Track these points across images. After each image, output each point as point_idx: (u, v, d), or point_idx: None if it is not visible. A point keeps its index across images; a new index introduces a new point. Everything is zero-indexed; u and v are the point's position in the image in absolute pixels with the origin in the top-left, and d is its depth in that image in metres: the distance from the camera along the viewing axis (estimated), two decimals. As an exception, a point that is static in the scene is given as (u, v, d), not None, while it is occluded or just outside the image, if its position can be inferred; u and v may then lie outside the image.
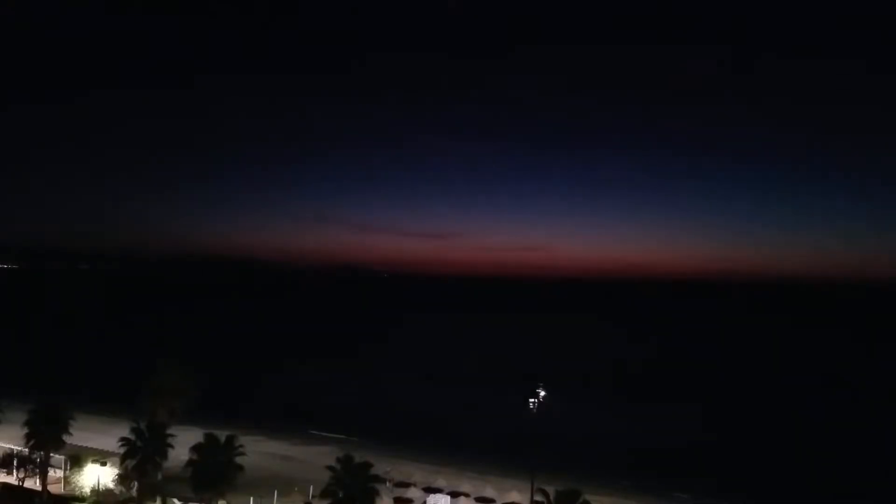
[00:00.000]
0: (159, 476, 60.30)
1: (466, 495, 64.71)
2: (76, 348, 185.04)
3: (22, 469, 65.21)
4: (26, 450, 64.04)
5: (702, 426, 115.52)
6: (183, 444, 57.85)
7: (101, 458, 66.07)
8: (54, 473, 65.72)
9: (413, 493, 66.43)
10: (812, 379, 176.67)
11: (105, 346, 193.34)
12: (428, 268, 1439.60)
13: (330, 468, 50.35)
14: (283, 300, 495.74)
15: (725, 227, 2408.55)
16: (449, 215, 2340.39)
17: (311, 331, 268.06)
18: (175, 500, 60.03)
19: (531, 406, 64.21)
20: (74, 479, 64.15)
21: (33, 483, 63.96)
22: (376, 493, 50.67)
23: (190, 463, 53.10)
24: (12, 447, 68.39)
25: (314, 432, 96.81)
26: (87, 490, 62.93)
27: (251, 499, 60.85)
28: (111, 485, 62.21)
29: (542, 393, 65.30)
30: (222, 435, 56.23)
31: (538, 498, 48.84)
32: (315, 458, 74.22)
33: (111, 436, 67.83)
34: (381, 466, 60.59)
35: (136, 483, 59.71)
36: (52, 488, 63.87)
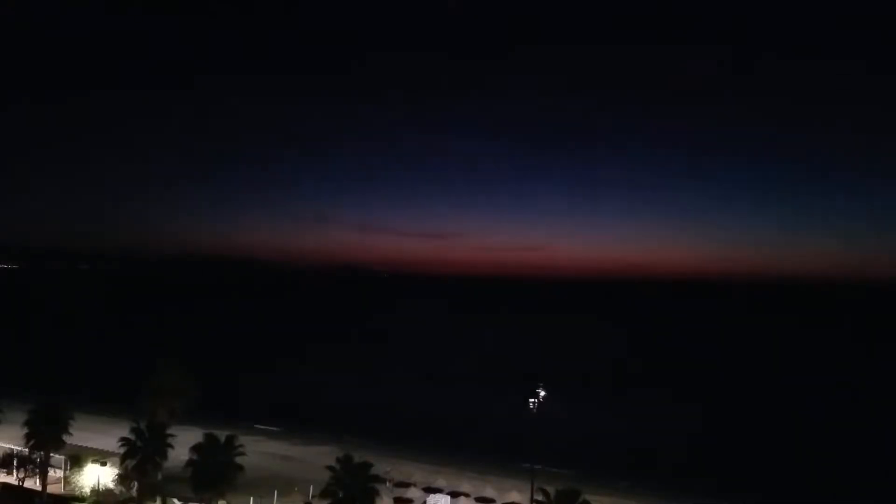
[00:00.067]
0: (159, 476, 60.30)
1: (466, 495, 64.71)
2: (76, 348, 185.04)
3: (22, 469, 65.22)
4: (26, 450, 64.03)
5: (702, 426, 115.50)
6: (183, 444, 57.83)
7: (101, 458, 66.08)
8: (54, 473, 65.71)
9: (413, 493, 66.44)
10: (812, 379, 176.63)
11: (105, 346, 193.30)
12: (428, 268, 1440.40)
13: (330, 468, 50.35)
14: (283, 300, 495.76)
15: (725, 227, 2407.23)
16: (449, 215, 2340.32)
17: (311, 331, 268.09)
18: (175, 500, 60.03)
19: (531, 406, 64.16)
20: (74, 479, 64.17)
21: (33, 483, 63.94)
22: (376, 493, 50.66)
23: (190, 463, 53.10)
24: (12, 447, 68.39)
25: (310, 432, 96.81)
26: (87, 490, 62.94)
27: (251, 499, 60.85)
28: (111, 485, 62.23)
29: (542, 393, 65.23)
30: (222, 435, 56.24)
31: (538, 498, 48.82)
32: (315, 458, 74.23)
33: (111, 436, 67.84)
34: (381, 466, 60.56)
35: (136, 483, 59.73)
36: (52, 488, 63.87)
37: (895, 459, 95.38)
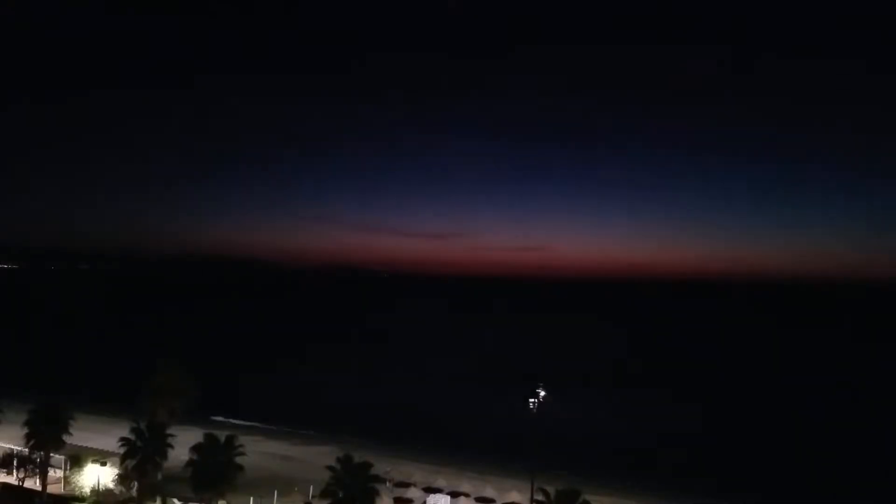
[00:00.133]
0: (159, 476, 60.30)
1: (466, 495, 64.71)
2: (76, 348, 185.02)
3: (22, 469, 65.18)
4: (26, 450, 64.00)
5: (702, 426, 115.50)
6: (183, 444, 57.82)
7: (101, 458, 66.02)
8: (54, 473, 65.69)
9: (413, 493, 66.43)
10: (812, 379, 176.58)
11: (105, 346, 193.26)
12: (428, 268, 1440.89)
13: (330, 468, 50.34)
14: (283, 300, 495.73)
15: (725, 227, 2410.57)
16: (449, 215, 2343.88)
17: (311, 331, 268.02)
18: (175, 500, 60.02)
19: (531, 406, 64.15)
20: (74, 479, 64.14)
21: (33, 483, 63.91)
22: (376, 493, 50.64)
23: (190, 463, 53.09)
24: (12, 447, 68.37)
25: (310, 432, 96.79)
26: (87, 490, 62.91)
27: (251, 499, 60.84)
28: (111, 485, 62.21)
29: (542, 393, 65.23)
30: (222, 435, 56.24)
31: (538, 498, 48.80)
32: (315, 458, 74.26)
33: (111, 436, 67.82)
34: (381, 466, 60.57)
35: (136, 483, 59.71)
36: (52, 488, 63.83)
37: (895, 459, 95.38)
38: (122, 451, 58.12)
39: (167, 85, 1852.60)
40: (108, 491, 62.30)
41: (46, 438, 62.20)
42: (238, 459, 54.20)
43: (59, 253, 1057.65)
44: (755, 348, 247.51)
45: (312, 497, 61.76)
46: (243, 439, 57.82)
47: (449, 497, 64.41)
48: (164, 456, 57.59)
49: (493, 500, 64.79)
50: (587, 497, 46.50)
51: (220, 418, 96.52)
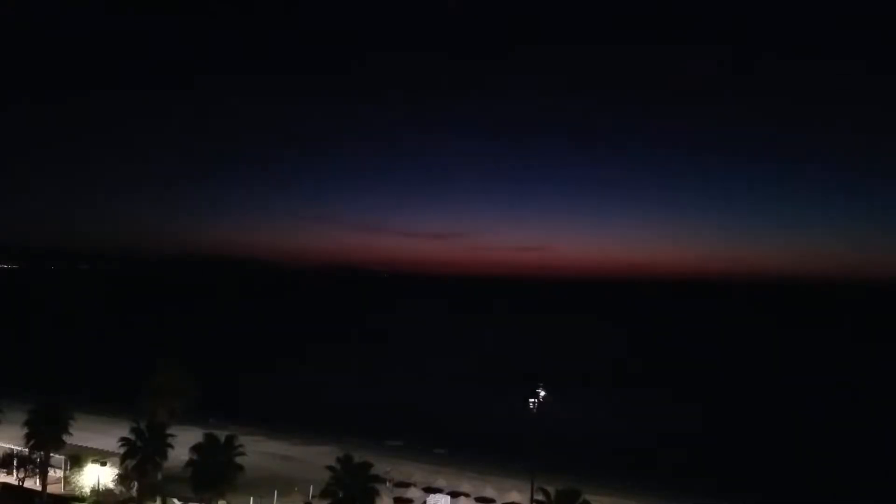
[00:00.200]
0: (159, 476, 60.30)
1: (466, 495, 64.70)
2: (76, 348, 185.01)
3: (22, 469, 65.20)
4: (26, 450, 64.02)
5: (702, 426, 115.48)
6: (183, 444, 57.82)
7: (101, 458, 66.03)
8: (54, 473, 65.70)
9: (413, 493, 66.43)
10: (812, 379, 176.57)
11: (105, 346, 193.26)
12: (428, 268, 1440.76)
13: (330, 468, 50.34)
14: (283, 300, 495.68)
15: (725, 227, 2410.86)
16: (449, 215, 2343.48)
17: (311, 331, 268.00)
18: (175, 500, 60.02)
19: (531, 406, 64.14)
20: (74, 479, 64.15)
21: (33, 483, 63.93)
22: (376, 493, 50.64)
23: (190, 463, 53.09)
24: (12, 447, 68.38)
25: (310, 432, 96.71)
26: (87, 490, 62.92)
27: (251, 499, 60.84)
28: (111, 485, 62.21)
29: (542, 393, 65.23)
30: (222, 435, 56.24)
31: (538, 498, 48.80)
32: (315, 458, 74.25)
33: (111, 436, 67.83)
34: (381, 466, 60.58)
35: (136, 483, 59.70)
36: (52, 488, 63.85)
37: (895, 459, 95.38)
38: (122, 451, 58.12)
39: (167, 85, 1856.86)
40: (108, 491, 62.30)
41: (46, 438, 62.22)
42: (238, 459, 54.21)
43: (59, 253, 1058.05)
44: (755, 348, 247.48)
45: (312, 497, 61.75)
46: (243, 439, 57.82)
47: (449, 497, 64.40)
48: (164, 456, 57.59)
49: (493, 500, 64.78)
50: (587, 497, 46.49)
51: (216, 420, 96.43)
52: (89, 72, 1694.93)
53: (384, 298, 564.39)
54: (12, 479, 65.82)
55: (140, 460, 56.43)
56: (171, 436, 58.94)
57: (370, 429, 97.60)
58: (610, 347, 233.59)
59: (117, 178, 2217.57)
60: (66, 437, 63.83)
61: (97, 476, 63.49)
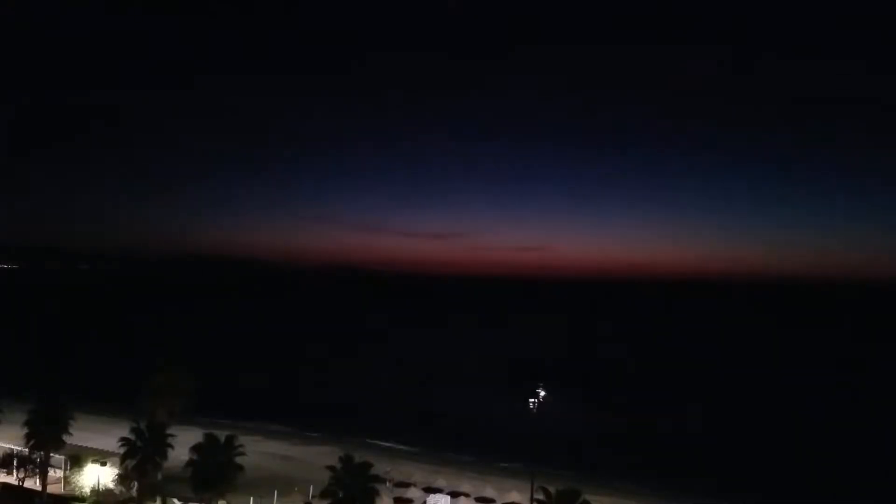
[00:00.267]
0: (159, 476, 60.27)
1: (466, 495, 64.67)
2: (76, 348, 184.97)
3: (22, 469, 65.15)
4: (26, 450, 63.99)
5: (702, 426, 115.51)
6: (183, 444, 57.77)
7: (101, 458, 66.00)
8: (54, 473, 65.67)
9: (413, 493, 66.40)
10: (812, 379, 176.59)
11: (105, 346, 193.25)
12: (428, 268, 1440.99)
13: (330, 468, 50.33)
14: (283, 300, 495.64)
15: (725, 227, 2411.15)
16: (449, 215, 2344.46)
17: (311, 331, 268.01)
18: (175, 500, 60.01)
19: (531, 406, 64.13)
20: (74, 479, 64.12)
21: (33, 483, 63.89)
22: (376, 493, 50.62)
23: (190, 463, 53.07)
24: (12, 447, 68.36)
25: (310, 432, 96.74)
26: (87, 490, 62.88)
27: (251, 499, 60.82)
28: (111, 485, 62.18)
29: (542, 393, 65.22)
30: (222, 435, 56.21)
31: (538, 497, 48.78)
32: (315, 458, 74.22)
33: (111, 436, 67.77)
34: (381, 466, 60.55)
35: (136, 483, 59.67)
36: (52, 488, 63.82)
37: (895, 459, 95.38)
38: (122, 451, 58.07)
39: (167, 85, 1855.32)
40: (108, 491, 62.27)
41: (46, 438, 62.17)
42: (238, 459, 54.16)
43: (59, 253, 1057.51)
44: (755, 348, 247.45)
45: (312, 497, 61.72)
46: (243, 439, 57.76)
47: (449, 497, 64.37)
48: (164, 456, 57.51)
49: (493, 500, 64.74)
50: (587, 497, 46.44)
51: (216, 419, 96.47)
52: (89, 72, 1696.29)
53: (384, 298, 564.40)
54: (12, 479, 65.79)
55: (140, 460, 56.38)
56: (171, 436, 58.87)
57: (370, 429, 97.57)
58: (610, 347, 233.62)
59: (117, 178, 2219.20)
60: (66, 437, 63.75)
61: (97, 476, 63.46)
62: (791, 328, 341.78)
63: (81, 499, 62.14)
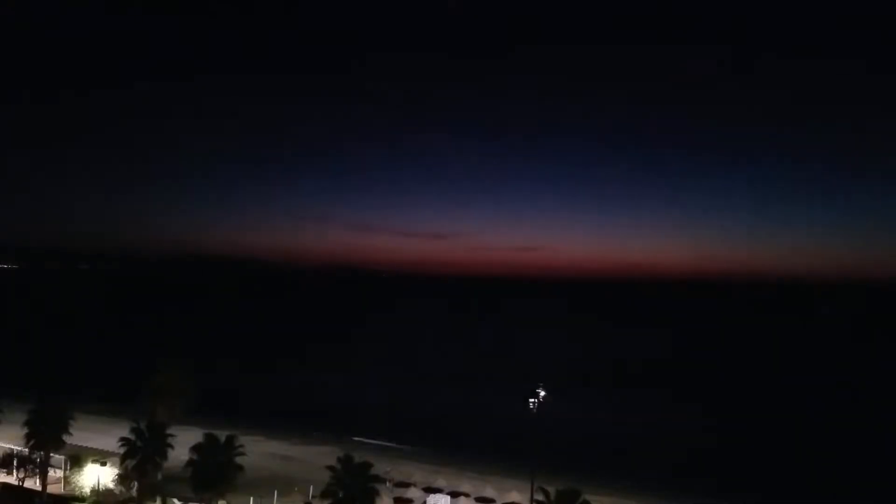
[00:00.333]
0: (159, 476, 60.29)
1: (466, 495, 64.68)
2: (76, 348, 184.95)
3: (22, 469, 65.19)
4: (26, 450, 64.01)
5: (702, 426, 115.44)
6: (183, 444, 57.78)
7: (101, 458, 66.01)
8: (54, 473, 65.69)
9: (413, 493, 66.41)
10: (812, 379, 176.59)
11: (105, 346, 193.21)
12: (428, 268, 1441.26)
13: (330, 468, 50.33)
14: (283, 300, 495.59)
15: (725, 227, 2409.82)
16: (449, 215, 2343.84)
17: (310, 331, 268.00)
18: (175, 500, 60.01)
19: (531, 406, 64.10)
20: (74, 479, 64.13)
21: (33, 483, 63.92)
22: (376, 493, 50.63)
23: (190, 463, 53.07)
24: (12, 447, 68.37)
25: (310, 432, 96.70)
26: (87, 490, 62.90)
27: (251, 499, 60.82)
28: (111, 485, 62.20)
29: (542, 393, 65.18)
30: (222, 435, 56.20)
31: (538, 498, 48.79)
32: (315, 458, 74.22)
33: (111, 436, 67.76)
34: (381, 466, 60.54)
35: (136, 483, 59.70)
36: (52, 488, 63.84)
37: (895, 459, 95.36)
38: (122, 451, 58.09)
39: (167, 85, 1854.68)
40: (108, 491, 62.29)
41: (46, 438, 62.20)
42: (238, 459, 54.19)
43: (59, 253, 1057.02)
44: (755, 348, 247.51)
45: (312, 497, 61.73)
46: (243, 439, 57.76)
47: (449, 497, 64.39)
48: (164, 456, 57.55)
49: (493, 500, 64.76)
50: (587, 497, 46.47)
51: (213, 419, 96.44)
52: (89, 72, 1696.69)
53: (384, 298, 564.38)
54: (12, 479, 65.81)
55: (140, 460, 56.40)
56: (171, 436, 58.89)
57: (370, 429, 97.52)
58: (610, 347, 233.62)
59: (117, 178, 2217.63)
60: (66, 437, 63.79)
61: (97, 476, 63.47)
62: (791, 328, 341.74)
63: (81, 499, 62.15)
